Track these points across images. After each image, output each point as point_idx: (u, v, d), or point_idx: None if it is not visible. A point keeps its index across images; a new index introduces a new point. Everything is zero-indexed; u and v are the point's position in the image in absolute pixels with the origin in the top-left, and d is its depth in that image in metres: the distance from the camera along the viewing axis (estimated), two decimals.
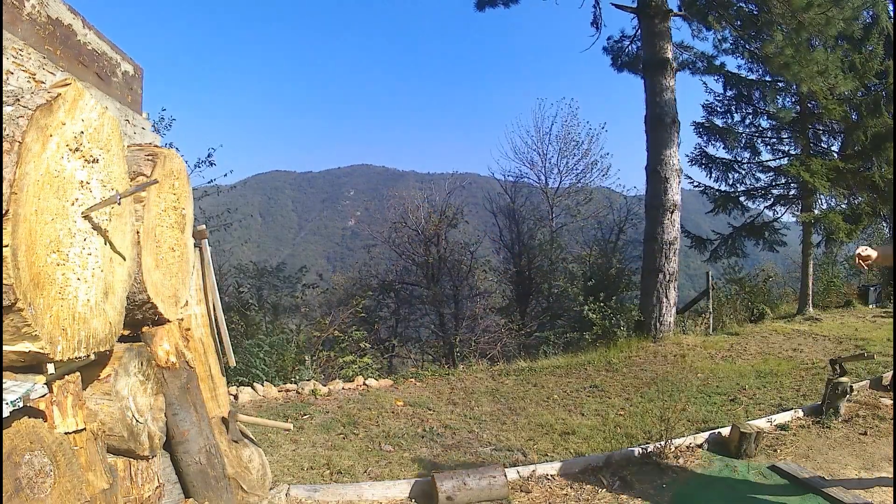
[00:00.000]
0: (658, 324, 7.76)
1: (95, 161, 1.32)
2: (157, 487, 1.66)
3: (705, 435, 3.65)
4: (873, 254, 2.41)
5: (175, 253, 1.96)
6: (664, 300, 7.82)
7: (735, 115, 9.82)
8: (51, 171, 1.14)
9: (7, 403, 1.01)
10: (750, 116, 9.82)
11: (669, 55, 8.12)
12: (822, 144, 9.60)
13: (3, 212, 0.99)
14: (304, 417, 4.55)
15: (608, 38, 9.58)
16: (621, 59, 9.45)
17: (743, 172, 9.83)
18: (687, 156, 9.93)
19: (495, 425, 4.38)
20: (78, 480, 1.19)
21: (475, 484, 2.89)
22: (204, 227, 2.40)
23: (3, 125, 1.04)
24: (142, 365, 1.64)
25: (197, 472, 1.93)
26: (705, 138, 9.74)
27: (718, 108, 9.82)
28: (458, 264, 11.82)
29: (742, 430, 3.42)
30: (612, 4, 8.49)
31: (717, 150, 9.84)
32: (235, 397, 4.98)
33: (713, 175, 9.85)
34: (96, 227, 1.32)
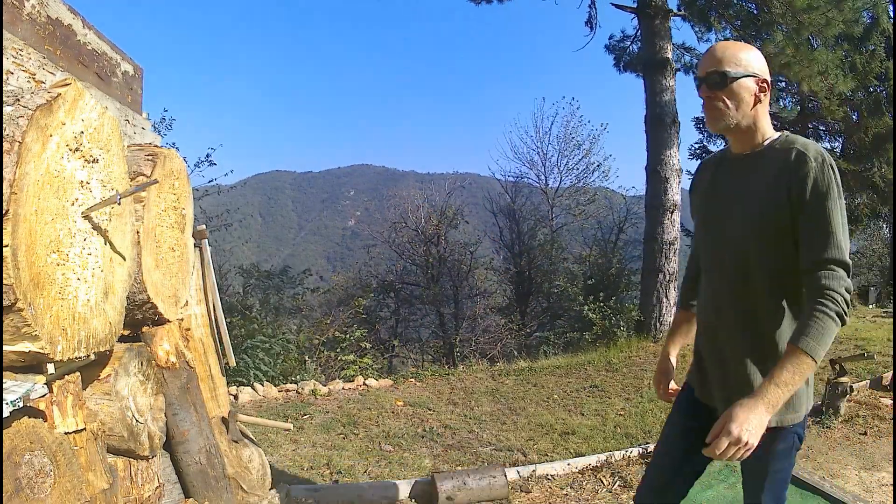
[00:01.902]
0: (658, 324, 7.76)
1: (95, 161, 1.32)
2: (157, 487, 1.66)
3: None
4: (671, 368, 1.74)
5: (175, 253, 1.96)
6: (664, 300, 7.81)
7: None
8: (51, 171, 1.14)
9: (7, 403, 1.01)
10: None
11: (670, 55, 8.12)
12: (823, 145, 9.62)
13: (3, 212, 0.99)
14: (304, 417, 4.55)
15: (610, 38, 9.56)
16: (624, 59, 9.44)
17: None
18: (689, 148, 9.97)
19: (495, 425, 4.38)
20: (78, 480, 1.19)
21: (475, 484, 2.89)
22: (204, 227, 2.39)
23: (3, 125, 1.04)
24: (142, 365, 1.64)
25: (197, 472, 1.93)
26: (706, 134, 9.75)
27: None
28: (458, 264, 11.81)
29: None
30: (612, 4, 8.48)
31: (718, 148, 9.85)
32: (235, 397, 4.98)
33: None
34: (96, 227, 1.32)
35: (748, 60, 1.40)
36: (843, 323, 1.27)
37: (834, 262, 1.29)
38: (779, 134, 1.44)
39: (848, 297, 1.29)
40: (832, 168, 1.34)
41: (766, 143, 1.43)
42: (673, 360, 1.75)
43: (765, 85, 1.41)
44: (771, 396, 1.25)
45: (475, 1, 9.14)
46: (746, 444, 1.22)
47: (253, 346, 6.12)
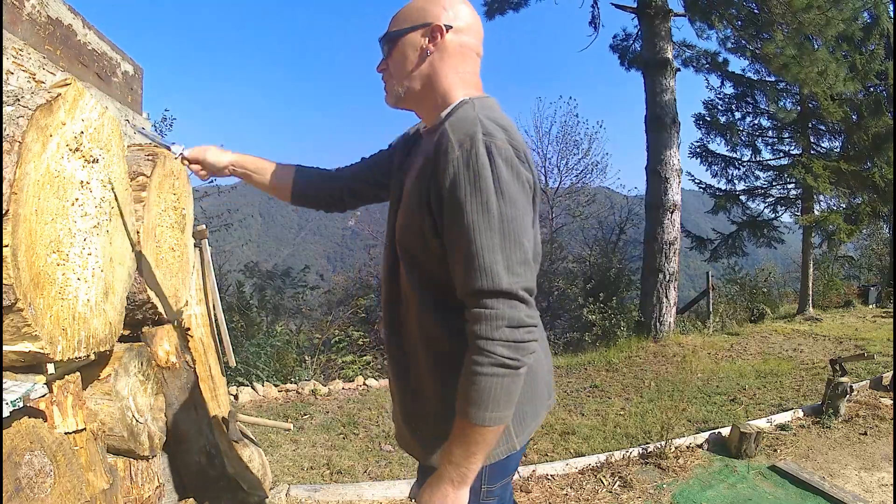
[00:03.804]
0: (658, 324, 7.76)
1: (96, 161, 1.32)
2: (157, 487, 1.66)
3: (705, 435, 3.65)
4: None
5: (175, 253, 1.96)
6: (664, 300, 7.81)
7: (736, 113, 9.83)
8: (51, 171, 1.14)
9: (7, 403, 1.01)
10: (750, 116, 9.83)
11: (670, 55, 8.12)
12: (823, 144, 9.61)
13: (4, 212, 0.99)
14: (304, 417, 4.55)
15: (614, 37, 9.55)
16: (628, 56, 9.43)
17: (743, 170, 9.84)
18: (689, 148, 9.95)
19: None
20: (78, 480, 1.19)
21: None
22: (204, 227, 2.39)
23: (4, 125, 1.04)
24: (142, 365, 1.64)
25: (197, 472, 1.93)
26: (705, 132, 9.74)
27: (720, 107, 9.83)
28: None
29: (742, 430, 3.42)
30: (613, 4, 8.48)
31: (718, 147, 9.86)
32: (235, 397, 4.98)
33: (713, 170, 9.87)
34: (94, 230, 1.32)
35: (418, 10, 1.06)
36: (515, 368, 0.92)
37: (483, 295, 0.92)
38: (459, 100, 1.06)
39: (510, 335, 0.91)
40: (487, 157, 0.92)
41: (444, 113, 1.06)
42: (228, 161, 1.41)
43: (437, 33, 1.04)
44: (452, 475, 0.98)
45: (489, 16, 9.13)
46: None
47: (253, 345, 6.13)
